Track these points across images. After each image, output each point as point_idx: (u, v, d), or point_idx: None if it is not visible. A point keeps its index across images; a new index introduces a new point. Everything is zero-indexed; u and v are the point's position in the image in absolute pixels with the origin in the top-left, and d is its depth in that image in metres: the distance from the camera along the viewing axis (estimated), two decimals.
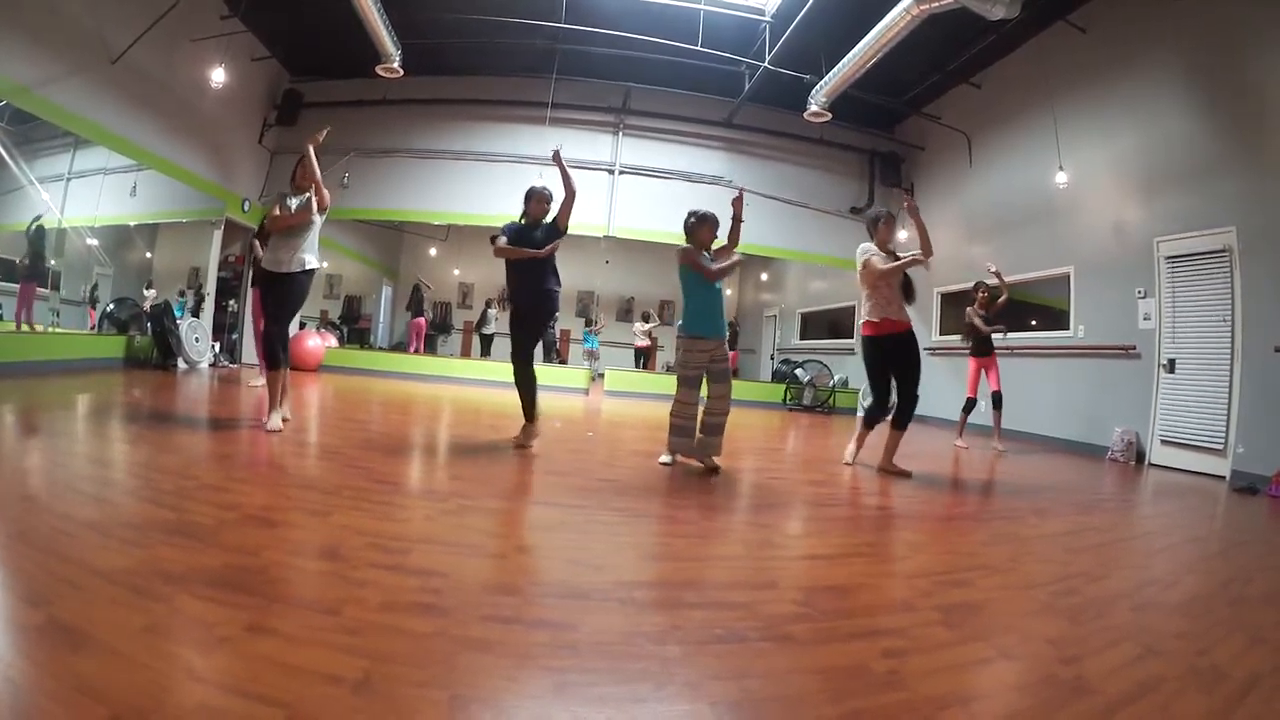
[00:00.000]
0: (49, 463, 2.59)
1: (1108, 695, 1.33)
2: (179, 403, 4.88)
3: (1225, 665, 1.53)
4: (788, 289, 14.70)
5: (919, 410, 4.16)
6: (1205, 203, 5.61)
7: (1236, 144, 5.42)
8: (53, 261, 6.65)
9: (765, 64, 7.73)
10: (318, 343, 9.54)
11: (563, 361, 13.52)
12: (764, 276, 15.52)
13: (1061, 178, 6.99)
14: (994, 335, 6.06)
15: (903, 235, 10.11)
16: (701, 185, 9.93)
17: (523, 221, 3.97)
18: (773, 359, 14.00)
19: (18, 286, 6.23)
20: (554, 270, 3.95)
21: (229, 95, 8.01)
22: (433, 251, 14.77)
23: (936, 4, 5.64)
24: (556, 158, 3.98)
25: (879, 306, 3.98)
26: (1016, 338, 6.18)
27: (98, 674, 1.06)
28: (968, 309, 6.14)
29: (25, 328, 6.12)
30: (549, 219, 4.00)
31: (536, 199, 3.96)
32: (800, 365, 10.68)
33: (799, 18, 6.78)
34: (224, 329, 8.82)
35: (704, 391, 3.77)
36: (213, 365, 7.81)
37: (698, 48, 7.70)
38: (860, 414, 9.99)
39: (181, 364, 7.35)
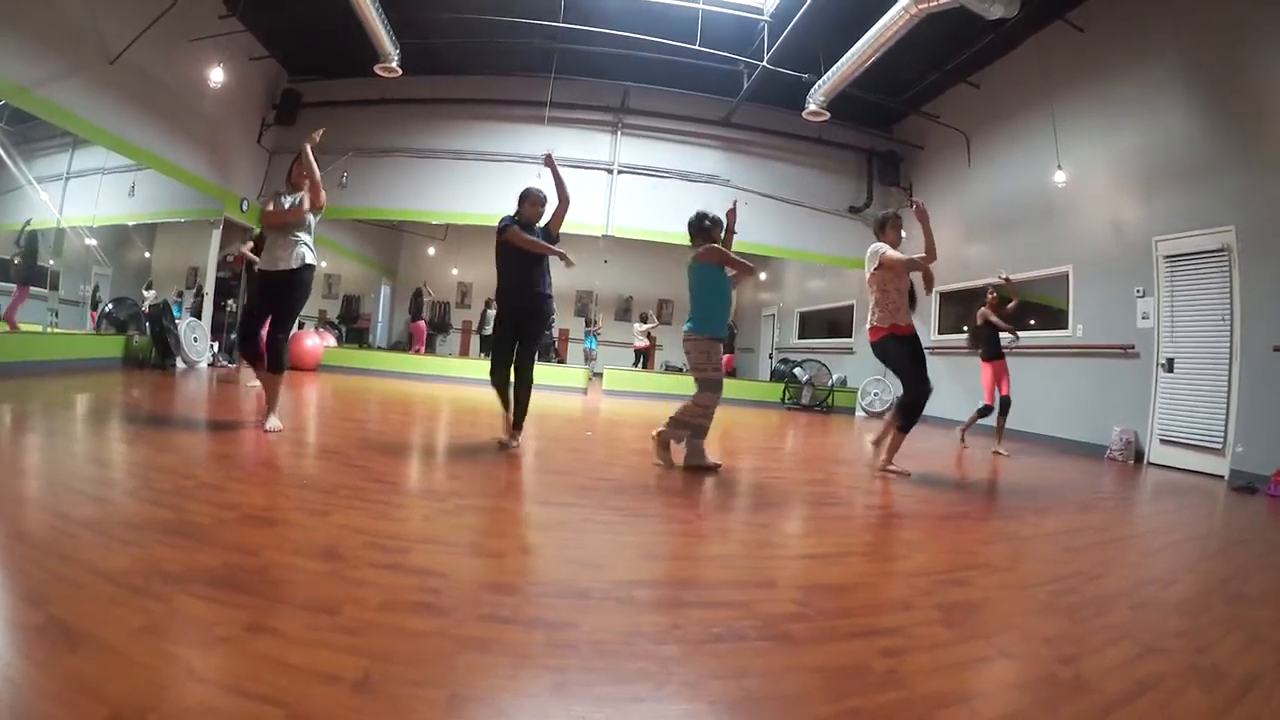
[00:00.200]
0: (48, 462, 2.58)
1: (1107, 694, 1.33)
2: (177, 403, 4.88)
3: (1224, 664, 1.54)
4: (786, 288, 14.71)
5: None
6: (1204, 202, 5.61)
7: (1235, 143, 5.42)
8: (51, 262, 6.64)
9: (764, 63, 7.73)
10: (316, 342, 9.53)
11: (561, 361, 13.52)
12: (762, 276, 15.52)
13: (1060, 177, 6.99)
14: (1003, 335, 6.02)
15: (902, 234, 10.11)
16: (700, 184, 9.93)
17: (517, 220, 3.90)
18: (771, 358, 14.02)
19: (14, 289, 6.24)
20: (549, 274, 3.93)
21: (227, 95, 8.00)
22: (431, 251, 14.76)
23: (935, 3, 5.63)
24: (549, 162, 3.94)
25: (889, 313, 3.91)
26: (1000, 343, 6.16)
27: (97, 673, 1.05)
28: (980, 310, 6.06)
29: (4, 326, 6.09)
30: (542, 223, 3.96)
31: (531, 201, 3.90)
32: (799, 364, 10.69)
33: (797, 17, 6.78)
34: (223, 329, 8.81)
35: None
36: (211, 365, 7.80)
37: (696, 47, 7.70)
38: (863, 414, 10.00)
39: (180, 364, 7.34)
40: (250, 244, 5.14)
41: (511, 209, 3.95)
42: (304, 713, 1.02)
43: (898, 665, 1.40)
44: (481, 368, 3.96)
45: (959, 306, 8.97)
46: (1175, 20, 6.00)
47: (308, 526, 2.01)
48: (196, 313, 8.24)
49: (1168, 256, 5.95)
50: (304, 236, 3.69)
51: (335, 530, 1.97)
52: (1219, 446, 5.30)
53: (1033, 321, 7.52)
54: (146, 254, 8.75)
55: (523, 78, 9.55)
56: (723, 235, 3.77)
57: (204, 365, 7.69)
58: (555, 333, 13.93)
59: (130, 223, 8.13)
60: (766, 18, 7.56)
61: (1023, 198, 7.81)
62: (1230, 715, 1.29)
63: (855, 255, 10.15)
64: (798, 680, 1.30)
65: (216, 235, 8.45)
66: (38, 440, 3.03)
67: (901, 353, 3.93)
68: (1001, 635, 1.64)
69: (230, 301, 9.07)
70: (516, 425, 3.89)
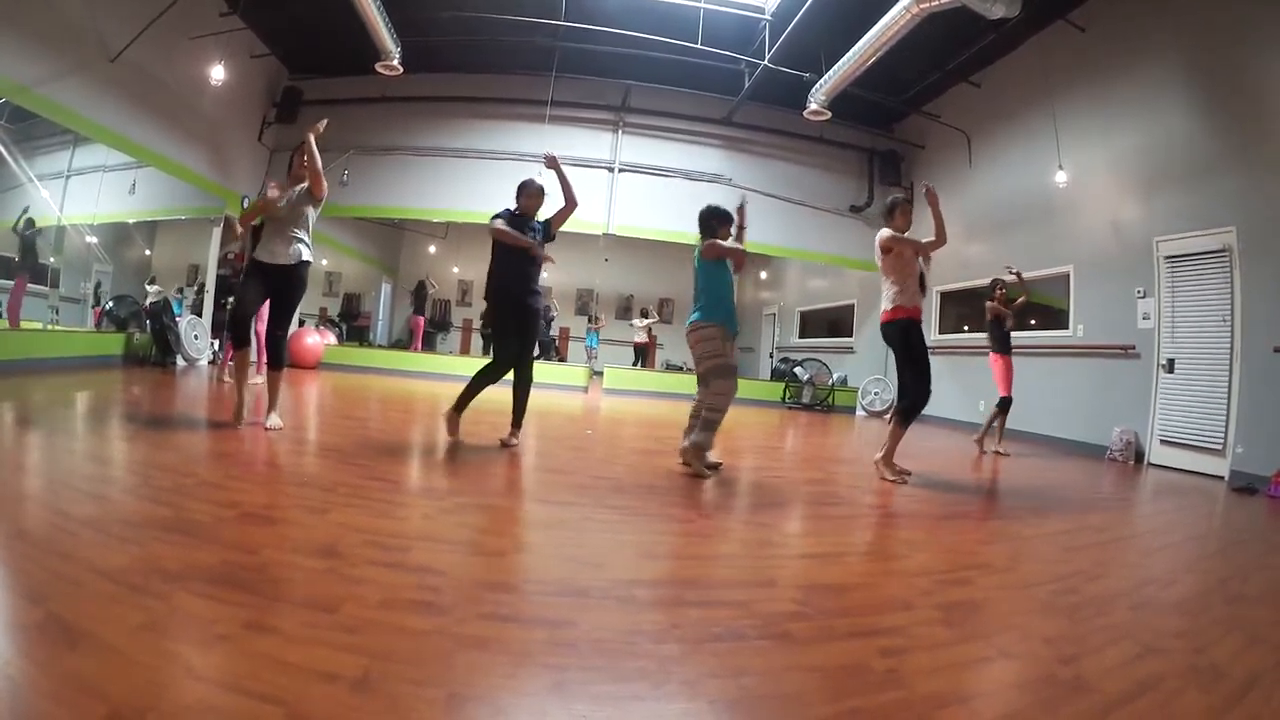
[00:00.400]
0: (48, 460, 2.58)
1: (1106, 694, 1.33)
2: (177, 400, 4.88)
3: (1224, 664, 1.53)
4: (787, 287, 14.71)
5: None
6: (1205, 202, 5.60)
7: (1236, 143, 5.42)
8: (52, 259, 6.64)
9: (765, 62, 7.72)
10: (316, 340, 9.53)
11: (562, 359, 13.51)
12: (763, 275, 15.52)
13: (1061, 177, 6.99)
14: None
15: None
16: (701, 183, 9.92)
17: (515, 213, 3.85)
18: (772, 357, 14.02)
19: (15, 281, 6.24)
20: (539, 272, 3.88)
21: (228, 93, 7.99)
22: (432, 249, 14.76)
23: (936, 2, 5.63)
24: (553, 164, 3.87)
25: (904, 293, 3.86)
26: (1015, 337, 6.12)
27: (96, 671, 1.05)
28: (989, 303, 5.99)
29: (4, 324, 6.10)
30: (542, 218, 3.92)
31: (528, 194, 3.85)
32: (799, 364, 10.69)
33: (799, 16, 6.77)
34: (223, 326, 8.80)
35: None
36: (212, 363, 7.80)
37: (698, 46, 7.69)
38: (863, 413, 10.00)
39: (180, 361, 7.34)
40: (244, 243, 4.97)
41: (512, 206, 3.92)
42: (303, 711, 1.02)
43: (898, 665, 1.40)
44: (504, 373, 3.88)
45: (960, 306, 8.97)
46: (1176, 20, 6.00)
47: (307, 524, 2.01)
48: (197, 310, 8.24)
49: (1168, 257, 5.94)
50: (302, 234, 3.67)
51: (335, 528, 1.97)
52: (1219, 447, 5.30)
53: (1033, 321, 7.52)
54: (147, 251, 8.76)
55: (524, 76, 9.55)
56: (733, 232, 3.73)
57: (204, 363, 7.69)
58: (556, 331, 13.92)
59: (131, 220, 8.14)
60: (768, 17, 7.55)
61: (1023, 198, 7.81)
62: (1230, 715, 1.29)
63: (856, 255, 10.28)
64: (797, 680, 1.30)
65: (217, 233, 8.45)
66: (38, 438, 3.03)
67: (920, 342, 3.87)
68: (1001, 635, 1.64)
69: (230, 299, 9.06)
70: (516, 424, 3.88)
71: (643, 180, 9.98)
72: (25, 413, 3.67)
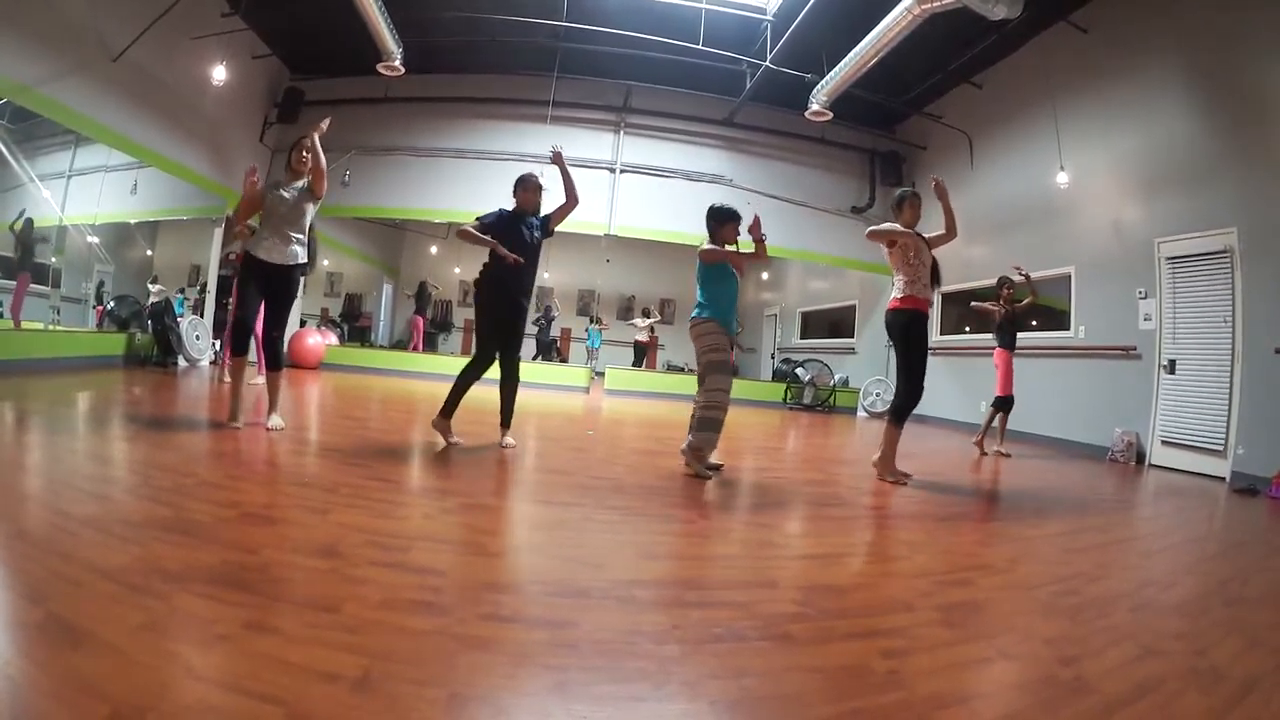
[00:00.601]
0: (48, 460, 2.59)
1: (1107, 695, 1.33)
2: (179, 401, 4.88)
3: (1224, 666, 1.53)
4: (788, 288, 14.71)
5: (920, 409, 4.04)
6: (1206, 203, 5.60)
7: (1237, 144, 5.41)
8: (53, 259, 6.65)
9: (766, 63, 7.73)
10: (318, 340, 9.54)
11: (563, 360, 13.52)
12: (764, 276, 15.53)
13: (1062, 178, 6.99)
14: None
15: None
16: (702, 184, 9.93)
17: (511, 210, 3.81)
18: (773, 358, 14.02)
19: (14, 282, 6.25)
20: (533, 274, 3.85)
21: (230, 93, 8.00)
22: (434, 250, 14.78)
23: (937, 4, 5.63)
24: (558, 159, 3.82)
25: (913, 285, 3.82)
26: (1018, 338, 6.11)
27: (97, 671, 1.05)
28: (987, 304, 5.99)
29: (7, 323, 6.11)
30: (541, 213, 3.88)
31: (526, 187, 3.80)
32: (801, 364, 10.69)
33: (800, 17, 6.77)
34: (224, 327, 8.81)
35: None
36: (213, 363, 7.80)
37: (699, 46, 7.69)
38: (865, 414, 9.99)
39: (182, 361, 7.35)
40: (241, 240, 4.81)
41: (508, 206, 3.87)
42: (303, 711, 1.02)
43: (898, 666, 1.39)
44: (487, 368, 3.89)
45: (960, 306, 8.96)
46: (1177, 22, 5.99)
47: (308, 524, 2.01)
48: (199, 310, 8.25)
49: (1170, 258, 5.94)
50: (299, 235, 3.66)
51: (335, 528, 1.97)
52: (1220, 448, 5.30)
53: (1034, 322, 7.52)
54: (149, 251, 8.76)
55: (525, 76, 9.55)
56: (742, 231, 3.68)
57: (205, 363, 7.70)
58: (557, 332, 13.92)
59: (132, 220, 8.14)
60: (769, 17, 7.55)
61: (1025, 199, 7.80)
62: (1229, 717, 1.29)
63: (857, 256, 10.28)
64: (798, 680, 1.30)
65: (218, 233, 8.46)
66: (38, 438, 3.04)
67: (922, 337, 3.83)
68: (1002, 636, 1.63)
69: (231, 299, 9.06)
70: (505, 424, 3.86)
71: (644, 181, 9.98)
72: (27, 412, 3.67)
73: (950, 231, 3.94)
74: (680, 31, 7.73)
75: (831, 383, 10.47)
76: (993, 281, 6.27)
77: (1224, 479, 5.16)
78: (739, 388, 10.33)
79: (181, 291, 8.68)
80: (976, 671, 1.44)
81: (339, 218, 10.19)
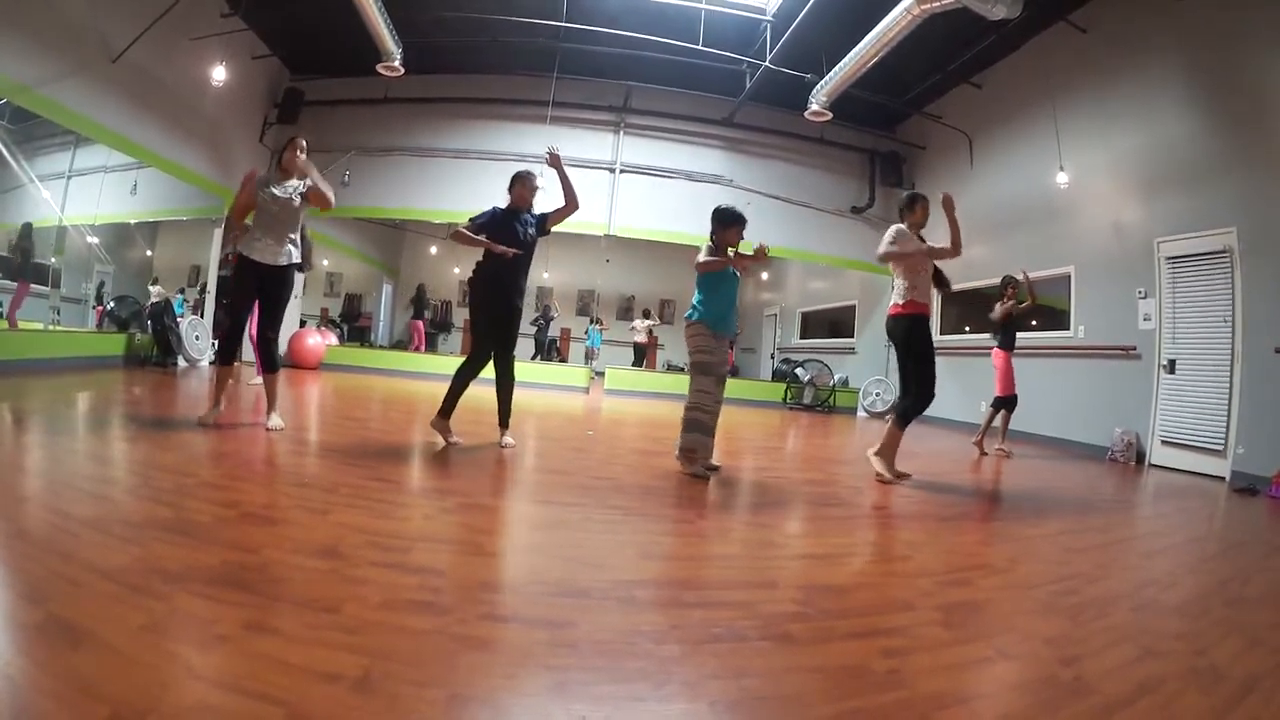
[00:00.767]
0: (48, 460, 2.59)
1: (1107, 695, 1.33)
2: (178, 401, 4.88)
3: (1224, 666, 1.53)
4: (788, 288, 14.72)
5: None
6: (1206, 203, 5.60)
7: (1237, 144, 5.42)
8: (53, 260, 6.65)
9: (766, 63, 7.73)
10: (318, 341, 9.54)
11: (563, 360, 13.52)
12: (764, 276, 15.54)
13: (1062, 178, 6.99)
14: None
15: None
16: (702, 184, 9.93)
17: (505, 207, 3.77)
18: (773, 358, 14.03)
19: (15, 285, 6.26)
20: (527, 273, 3.83)
21: (229, 93, 8.00)
22: (433, 250, 14.78)
23: (937, 4, 5.63)
24: (556, 162, 3.78)
25: (915, 289, 3.80)
26: (1017, 337, 6.11)
27: (97, 672, 1.05)
28: (998, 305, 5.93)
29: (3, 324, 6.12)
30: (538, 211, 3.86)
31: (524, 184, 3.77)
32: (800, 364, 10.69)
33: (800, 17, 6.77)
34: (224, 326, 8.81)
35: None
36: (213, 363, 7.80)
37: (699, 47, 7.70)
38: (865, 414, 9.99)
39: (181, 362, 7.35)
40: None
41: (501, 204, 3.84)
42: (304, 711, 1.02)
43: (899, 666, 1.39)
44: (483, 366, 3.90)
45: (960, 307, 8.97)
46: (1177, 22, 5.99)
47: (308, 525, 2.01)
48: (198, 310, 8.25)
49: (1169, 258, 5.94)
50: (295, 236, 3.66)
51: (336, 529, 1.97)
52: (1220, 448, 5.30)
53: (1034, 322, 7.53)
54: (148, 252, 8.77)
55: (525, 77, 9.55)
56: (744, 236, 3.65)
57: (205, 363, 7.69)
58: (557, 332, 13.93)
59: (132, 221, 8.15)
60: (769, 18, 7.55)
61: (1024, 199, 7.81)
62: (1230, 717, 1.29)
63: (857, 256, 10.28)
64: (798, 680, 1.30)
65: (218, 234, 8.46)
66: (38, 438, 3.04)
67: (925, 339, 3.81)
68: (1002, 636, 1.63)
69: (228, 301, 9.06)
70: (503, 424, 3.86)
71: (644, 181, 9.98)
72: (27, 413, 3.67)
73: (955, 248, 3.88)
74: (680, 32, 7.73)
75: (831, 383, 10.47)
76: (992, 281, 6.25)
77: (1224, 479, 5.17)
78: (739, 388, 10.35)
79: (181, 292, 8.68)
80: (977, 671, 1.44)
81: (339, 218, 10.20)
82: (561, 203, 3.84)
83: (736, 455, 4.62)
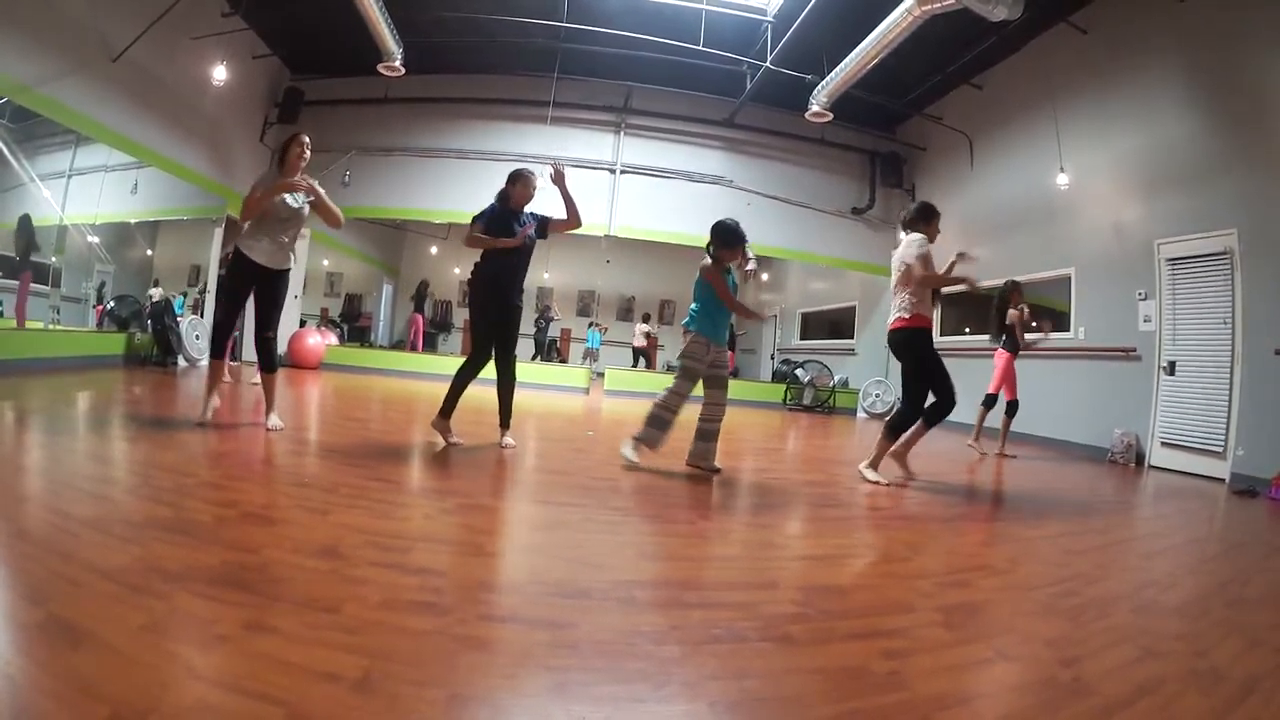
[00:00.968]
0: (48, 460, 2.59)
1: (1107, 696, 1.33)
2: (178, 400, 4.88)
3: (1224, 667, 1.53)
4: (788, 289, 14.72)
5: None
6: (1206, 204, 5.60)
7: (1238, 145, 5.42)
8: (53, 259, 6.65)
9: (767, 64, 7.73)
10: (318, 340, 9.54)
11: (563, 361, 13.53)
12: (764, 277, 15.53)
13: (1062, 179, 6.99)
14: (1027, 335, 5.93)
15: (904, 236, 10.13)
16: (702, 185, 9.93)
17: (504, 206, 3.73)
18: (773, 359, 14.03)
19: (17, 281, 6.25)
20: (525, 273, 3.82)
21: (230, 93, 8.00)
22: (434, 250, 14.78)
23: (938, 5, 5.63)
24: (559, 179, 3.71)
25: (923, 304, 3.78)
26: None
27: (97, 672, 1.05)
28: (1011, 311, 5.85)
29: (11, 323, 6.12)
30: (540, 212, 3.83)
31: (523, 183, 3.72)
32: (800, 365, 10.69)
33: (801, 18, 6.78)
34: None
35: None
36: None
37: (699, 47, 7.70)
38: (865, 415, 9.99)
39: (181, 361, 7.35)
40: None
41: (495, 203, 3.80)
42: (304, 711, 1.02)
43: (899, 667, 1.39)
44: (484, 368, 3.89)
45: (959, 309, 8.97)
46: (1177, 22, 5.99)
47: (308, 525, 2.01)
48: (198, 310, 8.25)
49: (1170, 259, 5.94)
50: (291, 241, 3.65)
51: (336, 529, 1.97)
52: (1220, 449, 5.30)
53: (1034, 324, 7.52)
54: (149, 251, 8.76)
55: (526, 77, 9.56)
56: (749, 253, 3.68)
57: (205, 363, 7.69)
58: (557, 333, 13.94)
59: (133, 220, 8.13)
60: (770, 18, 7.56)
61: (1025, 200, 7.81)
62: (1230, 718, 1.29)
63: (857, 257, 10.29)
64: (798, 681, 1.30)
65: (218, 233, 8.46)
66: (38, 437, 3.04)
67: (933, 353, 3.81)
68: (1002, 637, 1.64)
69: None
70: (504, 424, 3.86)
71: (644, 182, 9.99)
72: (27, 412, 3.67)
73: (972, 287, 4.04)
74: (680, 32, 7.74)
75: (831, 384, 10.47)
76: (993, 282, 6.22)
77: (1224, 480, 5.16)
78: (739, 389, 10.35)
79: (183, 294, 8.68)
80: (977, 672, 1.44)
81: None
82: (563, 215, 3.81)
83: (737, 456, 4.62)
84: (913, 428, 3.88)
